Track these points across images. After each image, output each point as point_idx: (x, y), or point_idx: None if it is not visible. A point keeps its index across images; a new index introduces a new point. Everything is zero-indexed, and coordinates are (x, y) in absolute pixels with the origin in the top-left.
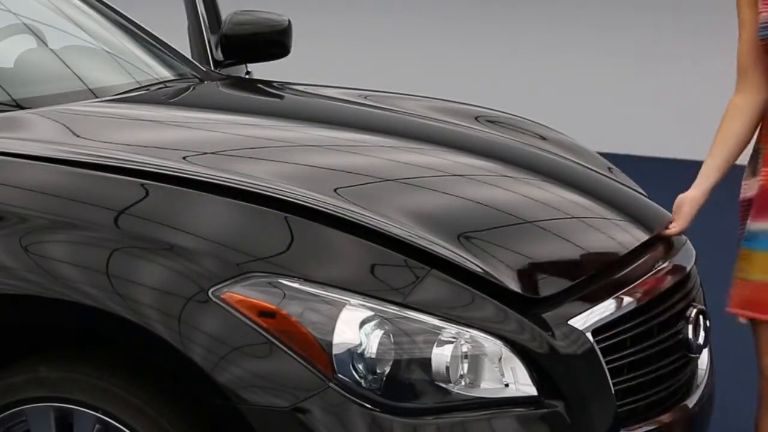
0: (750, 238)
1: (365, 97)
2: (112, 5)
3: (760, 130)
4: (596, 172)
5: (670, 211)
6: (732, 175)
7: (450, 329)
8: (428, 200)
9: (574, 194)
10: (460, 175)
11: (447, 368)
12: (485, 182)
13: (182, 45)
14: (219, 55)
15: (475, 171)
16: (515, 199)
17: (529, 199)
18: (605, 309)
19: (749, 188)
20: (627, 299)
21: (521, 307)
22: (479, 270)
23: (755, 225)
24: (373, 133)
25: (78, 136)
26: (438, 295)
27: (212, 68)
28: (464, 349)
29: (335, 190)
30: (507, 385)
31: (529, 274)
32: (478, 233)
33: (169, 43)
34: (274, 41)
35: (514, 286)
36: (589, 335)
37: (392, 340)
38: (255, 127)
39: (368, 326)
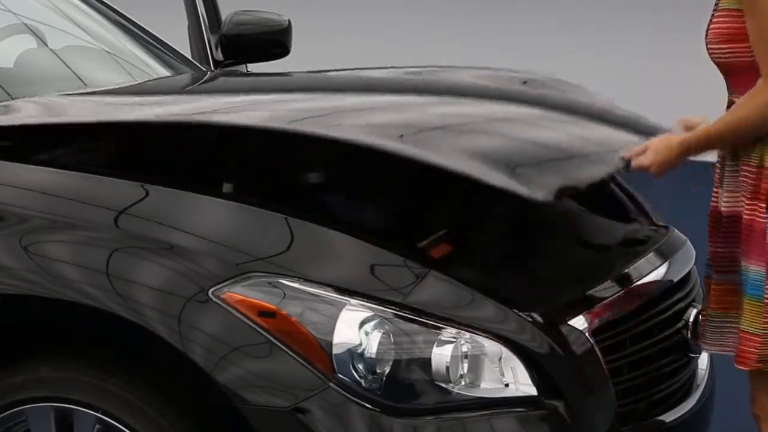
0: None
1: (408, 72)
2: (112, 5)
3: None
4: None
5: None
6: None
7: (450, 329)
8: (481, 142)
9: None
10: (508, 120)
11: (447, 368)
12: (532, 125)
13: (182, 45)
14: (219, 55)
15: (521, 116)
16: (558, 137)
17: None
18: (605, 309)
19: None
20: (627, 299)
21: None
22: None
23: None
24: (425, 95)
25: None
26: (438, 295)
27: (212, 68)
28: (464, 349)
29: (400, 137)
30: (507, 385)
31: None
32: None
33: (169, 43)
34: (274, 41)
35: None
36: (588, 335)
37: (392, 340)
38: (309, 101)
39: (368, 326)
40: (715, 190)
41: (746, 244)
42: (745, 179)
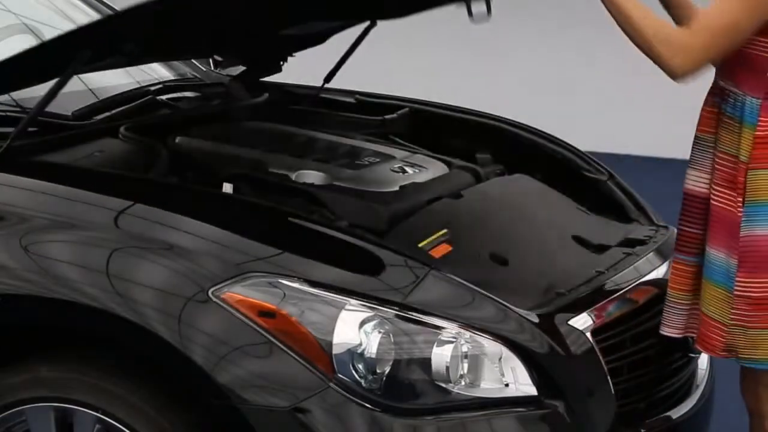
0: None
1: None
2: (111, 5)
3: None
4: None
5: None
6: None
7: (450, 329)
8: None
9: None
10: None
11: (447, 368)
12: None
13: None
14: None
15: None
16: None
17: None
18: (605, 309)
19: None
20: (627, 299)
21: None
22: None
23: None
24: None
25: None
26: (438, 295)
27: (212, 68)
28: (464, 349)
29: None
30: (507, 385)
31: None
32: None
33: None
34: None
35: None
36: (588, 335)
37: (392, 340)
38: None
39: (368, 326)
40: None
41: (713, 230)
42: (721, 168)
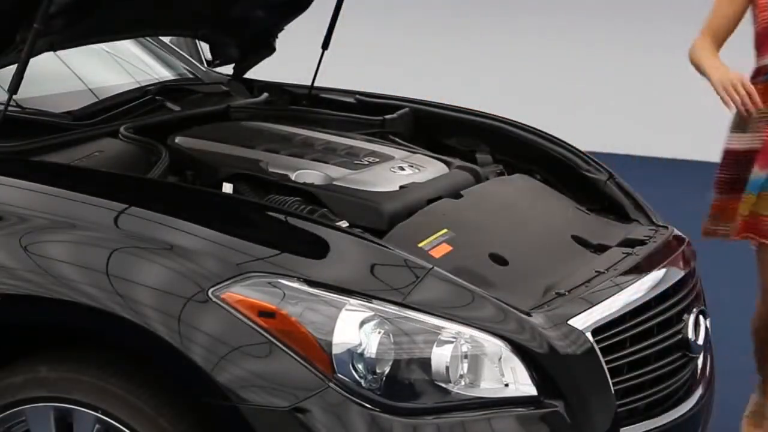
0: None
1: None
2: None
3: None
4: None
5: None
6: None
7: (450, 329)
8: None
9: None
10: None
11: (447, 368)
12: None
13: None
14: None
15: None
16: None
17: None
18: (605, 309)
19: (739, 141)
20: (627, 299)
21: None
22: None
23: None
24: None
25: None
26: (438, 295)
27: (210, 68)
28: (464, 349)
29: None
30: (507, 385)
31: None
32: None
33: (169, 43)
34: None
35: None
36: (588, 335)
37: (392, 340)
38: None
39: (368, 326)
40: None
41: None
42: None
